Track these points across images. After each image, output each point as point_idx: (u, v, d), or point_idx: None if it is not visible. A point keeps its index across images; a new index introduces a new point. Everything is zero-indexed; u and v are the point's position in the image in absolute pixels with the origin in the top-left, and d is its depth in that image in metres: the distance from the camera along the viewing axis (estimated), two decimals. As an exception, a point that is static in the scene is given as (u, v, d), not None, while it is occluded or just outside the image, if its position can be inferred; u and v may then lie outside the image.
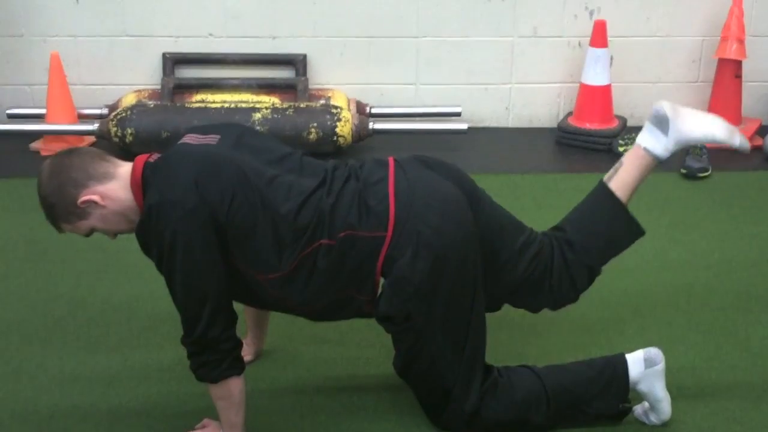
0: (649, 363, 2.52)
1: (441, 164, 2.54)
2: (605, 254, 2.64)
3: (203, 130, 2.49)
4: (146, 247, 2.34)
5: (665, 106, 2.56)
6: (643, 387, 2.53)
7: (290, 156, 2.47)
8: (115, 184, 2.37)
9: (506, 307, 2.67)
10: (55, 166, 2.37)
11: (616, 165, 2.64)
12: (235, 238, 2.30)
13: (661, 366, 2.52)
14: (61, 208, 2.36)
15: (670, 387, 2.56)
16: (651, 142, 2.58)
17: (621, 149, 4.62)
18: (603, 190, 2.63)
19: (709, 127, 2.56)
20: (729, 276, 3.45)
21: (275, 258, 2.32)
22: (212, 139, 2.41)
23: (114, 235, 2.47)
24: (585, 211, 2.67)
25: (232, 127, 2.54)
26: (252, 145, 2.44)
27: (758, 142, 4.72)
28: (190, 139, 2.44)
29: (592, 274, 2.63)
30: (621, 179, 2.61)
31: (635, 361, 2.54)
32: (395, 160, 2.49)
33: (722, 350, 2.96)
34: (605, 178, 2.65)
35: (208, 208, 2.26)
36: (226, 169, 2.32)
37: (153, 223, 2.27)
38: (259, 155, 2.41)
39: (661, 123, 2.56)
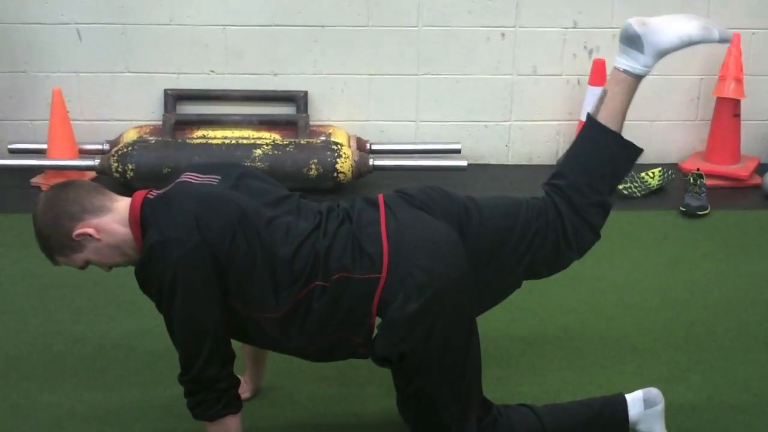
0: (648, 403, 2.52)
1: (426, 200, 2.50)
2: (611, 184, 2.60)
3: (203, 169, 2.49)
4: (146, 286, 2.34)
5: (633, 23, 2.52)
6: (642, 427, 2.52)
7: (288, 198, 2.48)
8: (111, 218, 2.37)
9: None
10: (51, 199, 2.38)
11: (600, 95, 2.60)
12: (233, 277, 2.30)
13: (660, 407, 2.52)
14: (56, 241, 2.37)
15: (669, 427, 2.56)
16: (629, 62, 2.55)
17: (620, 187, 4.61)
18: (593, 125, 2.59)
19: (683, 31, 2.53)
20: (728, 315, 3.44)
21: (272, 298, 2.32)
22: (212, 179, 2.42)
23: (109, 268, 2.47)
24: (581, 149, 2.63)
25: (232, 167, 2.55)
26: (251, 186, 2.45)
27: (757, 180, 4.74)
28: (189, 177, 2.45)
29: (606, 208, 2.59)
30: (608, 108, 2.57)
31: (635, 401, 2.53)
32: (384, 201, 2.48)
33: (721, 390, 2.96)
34: (592, 111, 2.61)
35: (209, 247, 2.27)
36: (227, 208, 2.32)
37: (153, 262, 2.27)
38: (257, 197, 2.42)
39: (634, 41, 2.53)
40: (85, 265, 2.44)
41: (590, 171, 2.57)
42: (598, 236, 2.61)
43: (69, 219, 2.35)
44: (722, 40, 2.56)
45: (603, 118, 2.57)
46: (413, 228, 2.40)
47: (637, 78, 2.56)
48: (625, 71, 2.56)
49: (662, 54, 2.55)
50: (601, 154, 2.58)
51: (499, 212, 2.57)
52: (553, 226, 2.54)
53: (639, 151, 2.61)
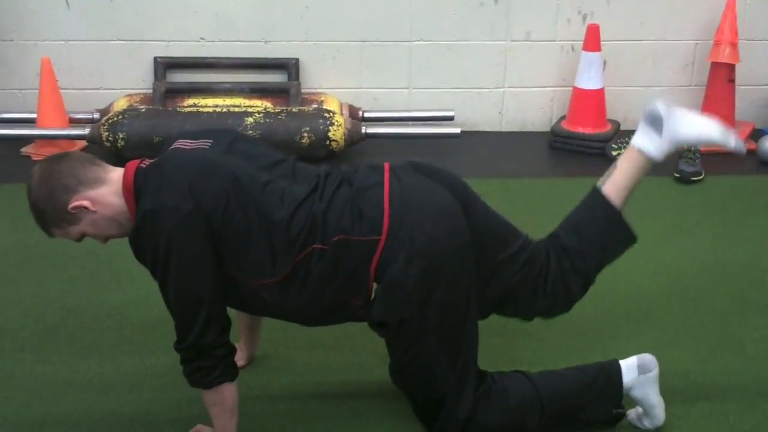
0: (642, 369, 2.52)
1: (435, 170, 2.52)
2: (600, 261, 2.63)
3: (194, 135, 2.48)
4: (140, 254, 2.33)
5: (659, 106, 2.53)
6: (636, 393, 2.53)
7: (283, 162, 2.46)
8: (106, 190, 2.36)
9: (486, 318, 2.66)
10: (45, 172, 2.36)
11: (610, 169, 2.62)
12: (229, 244, 2.29)
13: (654, 372, 2.52)
14: (51, 214, 2.35)
15: (663, 391, 2.56)
16: (645, 142, 2.56)
17: (614, 153, 4.61)
18: (596, 196, 2.61)
19: (704, 129, 2.54)
20: (722, 280, 3.45)
21: (269, 264, 2.31)
22: (204, 143, 2.40)
23: (105, 239, 2.46)
24: (579, 217, 2.65)
25: (224, 132, 2.53)
26: (244, 150, 2.43)
27: (752, 146, 4.73)
28: (182, 144, 2.43)
29: (587, 282, 2.62)
30: (615, 182, 2.59)
31: (629, 367, 2.53)
32: (390, 167, 2.48)
33: (716, 354, 2.96)
34: (599, 182, 2.63)
35: (203, 215, 2.26)
36: (220, 175, 2.31)
37: (147, 230, 2.26)
38: (251, 161, 2.40)
39: (656, 123, 2.54)
40: (81, 238, 2.43)
41: (583, 239, 2.59)
42: (569, 307, 2.64)
43: (64, 192, 2.33)
44: (736, 150, 2.60)
45: (607, 191, 2.59)
46: (418, 193, 2.39)
47: (649, 160, 2.57)
48: (639, 150, 2.57)
49: (677, 144, 2.56)
50: (596, 226, 2.61)
51: (502, 221, 2.60)
52: (541, 269, 2.56)
53: (633, 238, 2.63)
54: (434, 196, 2.41)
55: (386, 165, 2.49)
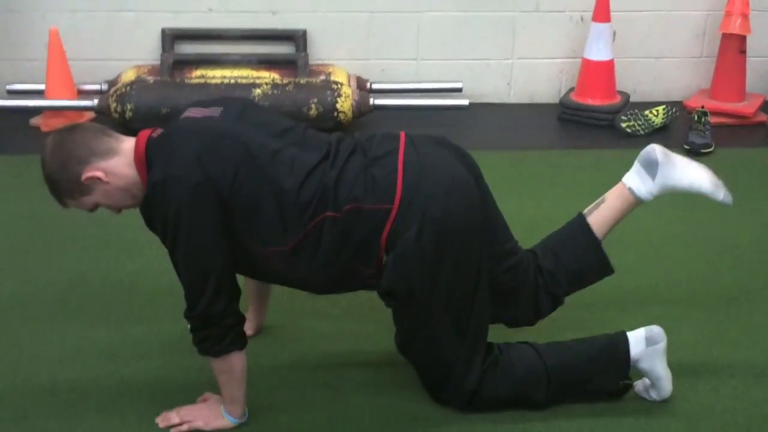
0: (650, 341, 2.52)
1: (452, 144, 2.52)
2: (572, 286, 2.66)
3: (205, 103, 2.47)
4: (151, 224, 2.34)
5: (657, 150, 2.60)
6: (644, 365, 2.53)
7: (293, 129, 2.46)
8: (119, 160, 2.36)
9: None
10: (58, 143, 2.37)
11: (598, 200, 2.67)
12: (239, 212, 2.30)
13: (662, 345, 2.52)
14: (65, 185, 2.36)
15: (671, 363, 2.56)
16: (636, 183, 2.62)
17: (623, 125, 4.60)
18: (580, 223, 2.66)
19: (696, 178, 2.60)
20: (731, 253, 3.44)
21: (280, 232, 2.32)
22: (215, 111, 2.40)
23: (118, 210, 2.47)
24: (559, 240, 2.69)
25: (235, 101, 2.53)
26: (255, 118, 2.43)
27: (762, 118, 4.71)
28: (192, 112, 2.43)
29: (556, 303, 2.65)
30: (601, 215, 2.64)
31: (636, 339, 2.53)
32: (407, 135, 2.48)
33: (724, 327, 2.96)
34: (585, 210, 2.67)
35: (212, 184, 2.26)
36: (229, 144, 2.31)
37: (157, 200, 2.26)
38: (261, 129, 2.39)
39: (650, 166, 2.60)
40: (94, 208, 2.43)
41: (561, 262, 2.64)
42: (533, 323, 2.68)
43: (77, 162, 2.33)
44: (723, 203, 2.64)
45: (592, 221, 2.64)
46: (434, 164, 2.39)
47: (637, 200, 2.63)
48: (630, 189, 2.62)
49: (668, 190, 2.62)
50: (575, 252, 2.65)
51: (503, 219, 2.62)
52: (519, 277, 2.59)
53: (610, 270, 2.68)
54: (450, 168, 2.41)
55: (402, 134, 2.48)
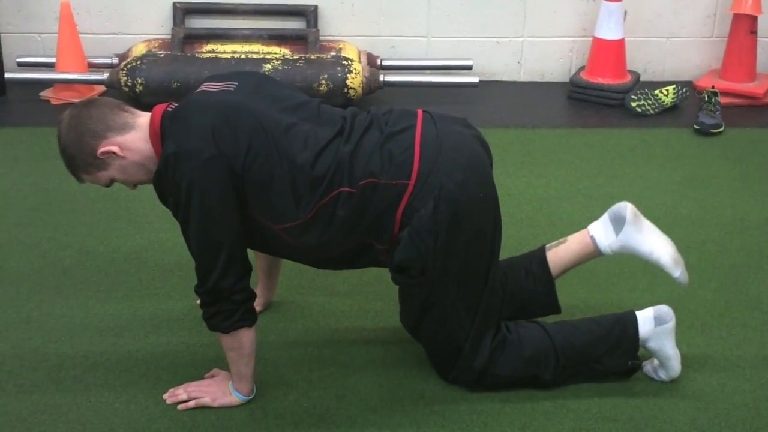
0: (659, 321, 2.52)
1: (472, 127, 2.51)
2: (513, 312, 2.65)
3: (221, 78, 2.47)
4: (163, 197, 2.34)
5: (628, 209, 2.61)
6: (652, 345, 2.53)
7: (307, 104, 2.45)
8: (135, 135, 2.36)
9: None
10: (74, 118, 2.36)
11: (561, 239, 2.69)
12: (251, 187, 2.30)
13: (671, 324, 2.52)
14: (80, 160, 2.36)
15: (679, 344, 2.57)
16: (600, 233, 2.64)
17: (633, 104, 4.58)
18: (539, 256, 2.68)
19: (657, 248, 2.61)
20: (740, 233, 3.44)
21: (293, 207, 2.31)
22: (230, 86, 2.40)
23: (134, 185, 2.47)
24: (516, 265, 2.70)
25: (250, 75, 2.53)
26: (269, 93, 2.42)
27: (773, 97, 4.69)
28: (207, 86, 2.43)
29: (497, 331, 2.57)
30: (559, 255, 2.67)
31: (645, 319, 2.53)
32: (425, 112, 2.47)
33: (733, 308, 2.96)
34: (548, 245, 2.69)
35: (225, 159, 2.26)
36: (243, 119, 2.30)
37: (170, 173, 2.27)
38: (275, 103, 2.39)
39: (618, 222, 2.61)
40: (110, 183, 2.44)
41: (509, 287, 2.64)
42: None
43: (93, 137, 2.34)
44: (678, 281, 2.63)
45: (550, 256, 2.66)
46: (452, 141, 2.38)
47: (597, 251, 2.64)
48: (592, 238, 2.64)
49: (629, 250, 2.64)
50: (526, 281, 2.67)
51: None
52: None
53: (557, 309, 2.69)
54: (467, 145, 2.40)
55: (420, 111, 2.48)
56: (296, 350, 2.72)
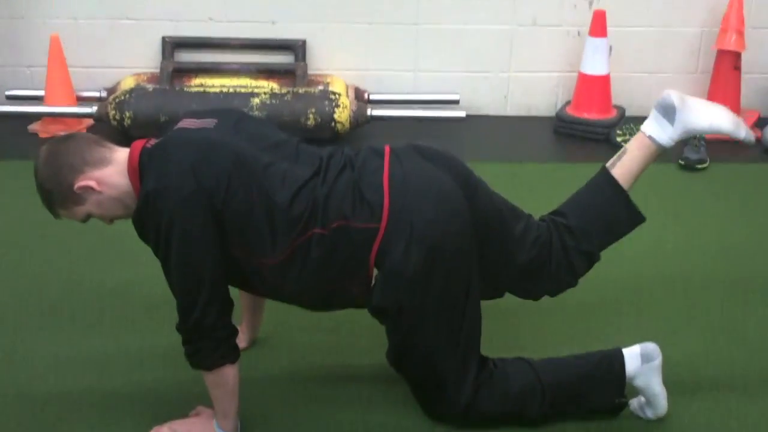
0: (645, 358, 2.51)
1: (437, 153, 2.50)
2: (605, 240, 2.64)
3: (200, 114, 2.48)
4: (143, 234, 2.33)
5: (673, 95, 2.56)
6: (639, 382, 2.52)
7: (286, 143, 2.46)
8: (112, 170, 2.36)
9: (501, 298, 2.67)
10: (52, 152, 2.36)
11: (620, 152, 2.64)
12: (231, 223, 2.29)
13: (658, 361, 2.51)
14: (57, 194, 2.35)
15: (666, 380, 2.56)
16: (656, 130, 2.58)
17: (619, 139, 4.61)
18: (605, 177, 2.62)
19: (715, 118, 2.55)
20: (726, 268, 3.44)
21: (270, 245, 2.31)
22: (209, 123, 2.40)
23: (110, 220, 2.46)
24: (586, 196, 2.66)
25: (230, 112, 2.53)
26: (248, 130, 2.43)
27: (757, 134, 4.71)
28: (186, 123, 2.43)
29: (591, 259, 2.63)
30: (624, 166, 2.61)
31: (632, 356, 2.52)
32: (391, 150, 2.47)
33: (719, 343, 2.96)
34: (608, 164, 2.64)
35: (205, 194, 2.25)
36: (223, 155, 2.30)
37: (149, 210, 2.26)
38: (255, 141, 2.40)
39: (668, 112, 2.56)
40: (86, 218, 2.43)
41: (589, 219, 2.62)
42: (575, 283, 2.66)
43: (70, 171, 2.33)
44: (746, 141, 2.60)
45: (616, 174, 2.61)
46: (418, 178, 2.38)
47: (659, 147, 2.59)
48: (650, 137, 2.58)
49: (689, 133, 2.58)
50: (604, 207, 2.63)
51: (504, 203, 2.61)
52: (545, 248, 2.58)
53: (641, 218, 2.65)
54: (435, 181, 2.40)
55: (387, 148, 2.48)
56: (281, 387, 2.71)
